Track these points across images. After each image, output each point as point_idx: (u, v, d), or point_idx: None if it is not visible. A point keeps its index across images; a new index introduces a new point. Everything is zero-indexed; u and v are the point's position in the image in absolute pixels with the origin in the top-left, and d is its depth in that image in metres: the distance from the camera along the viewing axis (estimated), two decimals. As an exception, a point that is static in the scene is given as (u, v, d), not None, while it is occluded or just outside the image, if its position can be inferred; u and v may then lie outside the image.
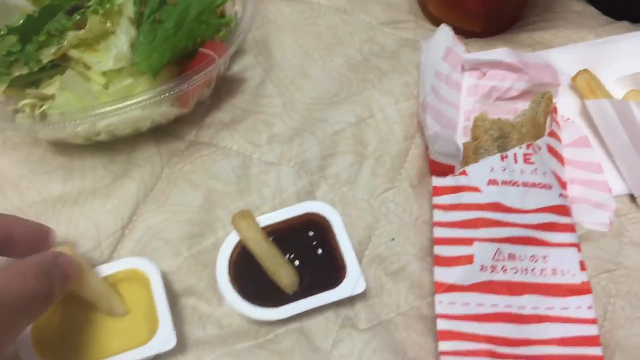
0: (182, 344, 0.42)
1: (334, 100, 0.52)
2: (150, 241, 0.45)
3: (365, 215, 0.47)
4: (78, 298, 0.40)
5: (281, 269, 0.42)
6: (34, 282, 0.34)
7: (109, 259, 0.45)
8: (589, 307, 0.41)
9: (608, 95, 0.50)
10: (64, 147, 0.49)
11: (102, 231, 0.45)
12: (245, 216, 0.44)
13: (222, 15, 0.49)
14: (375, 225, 0.47)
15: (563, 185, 0.47)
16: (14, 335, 0.34)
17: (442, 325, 0.41)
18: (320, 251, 0.44)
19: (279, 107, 0.52)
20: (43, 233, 0.40)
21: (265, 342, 0.43)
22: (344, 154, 0.49)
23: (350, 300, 0.44)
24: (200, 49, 0.46)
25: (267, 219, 0.45)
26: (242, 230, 0.43)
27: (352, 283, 0.42)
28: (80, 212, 0.46)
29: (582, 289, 0.42)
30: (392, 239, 0.47)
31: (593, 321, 0.41)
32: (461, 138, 0.50)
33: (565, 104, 0.52)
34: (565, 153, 0.49)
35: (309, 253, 0.44)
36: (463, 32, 0.56)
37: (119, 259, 0.44)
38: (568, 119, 0.51)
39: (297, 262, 0.44)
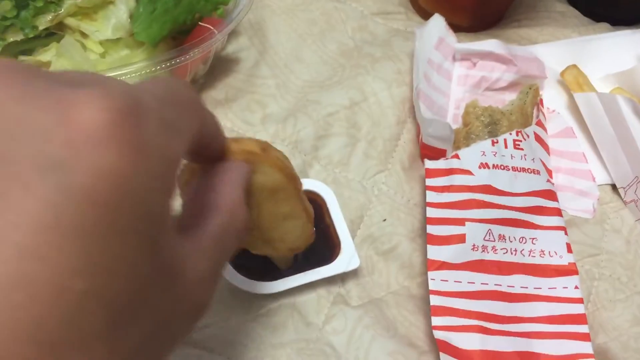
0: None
1: (327, 84, 0.53)
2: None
3: (358, 196, 0.48)
4: None
5: None
6: None
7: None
8: (575, 287, 0.42)
9: (594, 90, 0.52)
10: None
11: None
12: None
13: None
14: (367, 206, 0.48)
15: (549, 172, 0.49)
16: None
17: (434, 301, 0.41)
18: (314, 228, 0.44)
19: (273, 88, 0.52)
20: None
21: (257, 316, 0.42)
22: (338, 135, 0.50)
23: (342, 279, 0.44)
24: (200, 23, 0.46)
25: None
26: None
27: (346, 259, 0.43)
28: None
29: (568, 270, 0.43)
30: (384, 220, 0.47)
31: (579, 300, 0.42)
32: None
33: (551, 96, 0.54)
34: (551, 143, 0.51)
35: (302, 229, 0.44)
36: (451, 27, 0.57)
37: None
38: (553, 110, 0.53)
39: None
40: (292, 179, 0.34)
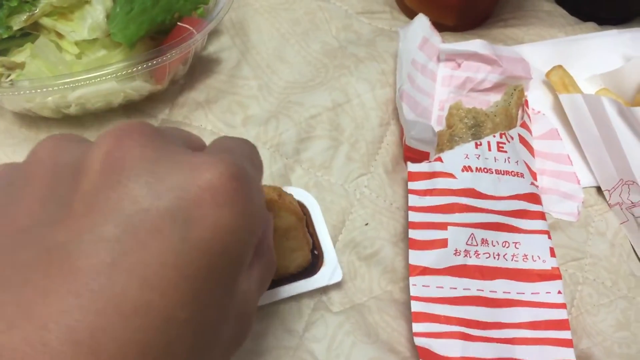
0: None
1: (310, 85, 0.52)
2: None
3: (340, 200, 0.47)
4: None
5: None
6: None
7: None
8: (559, 292, 0.42)
9: (580, 91, 0.51)
10: (31, 120, 0.47)
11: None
12: None
13: (200, -8, 0.48)
14: (349, 210, 0.47)
15: (533, 175, 0.48)
16: None
17: (416, 307, 0.41)
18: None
19: (255, 89, 0.51)
20: None
21: (237, 322, 0.42)
22: (320, 138, 0.49)
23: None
24: (179, 23, 0.45)
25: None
26: None
27: (329, 272, 0.42)
28: (46, 186, 0.44)
29: (552, 275, 0.43)
30: (366, 224, 0.46)
31: (562, 306, 0.41)
32: (435, 127, 0.51)
33: (536, 97, 0.53)
34: (536, 145, 0.50)
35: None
36: (437, 26, 0.56)
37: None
38: (538, 112, 0.52)
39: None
40: (301, 219, 0.39)
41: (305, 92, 0.51)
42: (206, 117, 0.49)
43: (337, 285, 0.44)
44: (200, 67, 0.52)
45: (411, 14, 0.57)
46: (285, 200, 0.37)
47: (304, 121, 0.49)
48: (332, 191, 0.47)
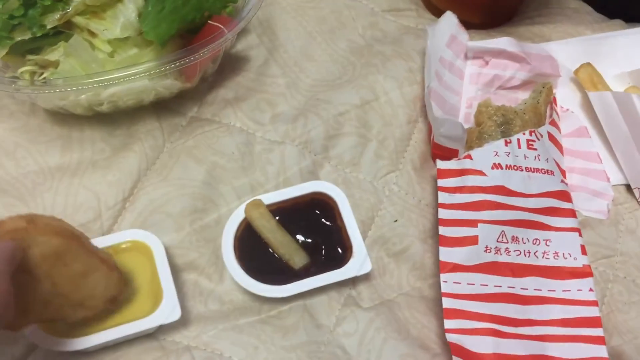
0: (183, 318, 0.41)
1: (337, 83, 0.52)
2: (152, 214, 0.44)
3: (369, 197, 0.47)
4: None
5: (295, 256, 0.42)
6: None
7: (109, 231, 0.44)
8: (590, 290, 0.42)
9: (608, 89, 0.51)
10: (62, 118, 0.48)
11: (103, 203, 0.44)
12: (257, 205, 0.43)
13: (230, -9, 0.49)
14: (378, 206, 0.47)
15: (563, 172, 0.48)
16: None
17: (447, 303, 0.41)
18: (326, 230, 0.44)
19: (283, 87, 0.51)
20: None
21: (268, 317, 0.42)
22: (348, 135, 0.49)
23: (352, 280, 0.44)
24: (209, 22, 0.46)
25: (274, 196, 0.44)
26: (255, 219, 0.43)
27: (358, 263, 0.42)
28: (79, 183, 0.45)
29: (583, 272, 0.42)
30: (395, 221, 0.47)
31: (594, 303, 0.41)
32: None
33: (565, 95, 0.53)
34: (565, 143, 0.50)
35: (315, 232, 0.44)
36: (463, 24, 0.56)
37: (120, 231, 0.43)
38: (567, 109, 0.52)
39: (303, 240, 0.43)
40: (74, 238, 0.34)
41: (332, 90, 0.51)
42: (235, 115, 0.49)
43: (367, 281, 0.44)
44: (229, 65, 0.52)
45: (437, 12, 0.57)
46: (38, 224, 0.33)
47: (332, 118, 0.50)
48: (361, 188, 0.47)
